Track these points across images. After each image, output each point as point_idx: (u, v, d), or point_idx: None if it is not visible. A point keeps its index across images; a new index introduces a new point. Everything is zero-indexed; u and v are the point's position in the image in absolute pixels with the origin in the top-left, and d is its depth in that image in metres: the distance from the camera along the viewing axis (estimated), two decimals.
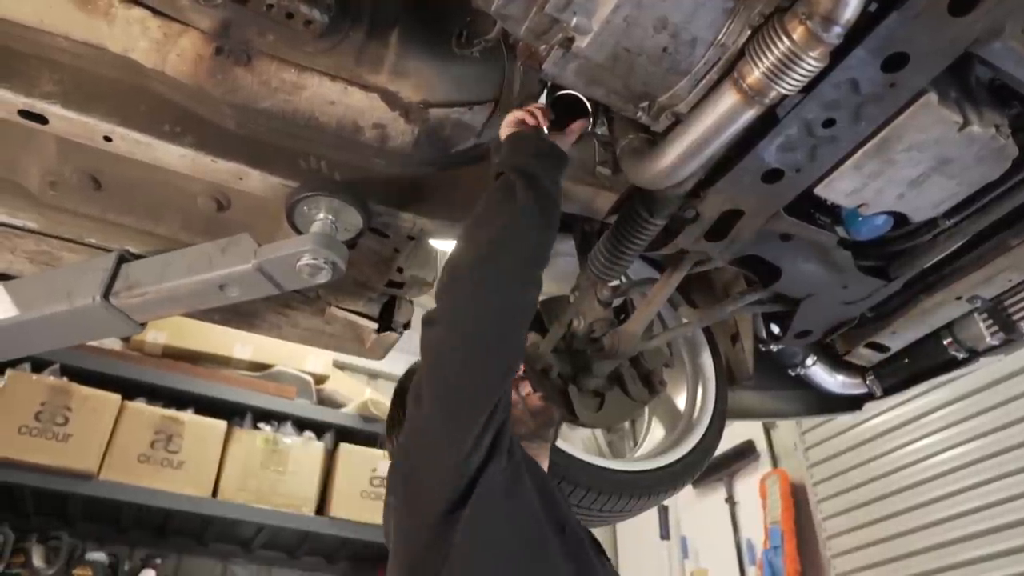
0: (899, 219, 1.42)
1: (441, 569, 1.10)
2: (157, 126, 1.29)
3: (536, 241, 1.25)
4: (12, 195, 1.54)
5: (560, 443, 1.65)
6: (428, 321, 1.20)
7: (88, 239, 1.58)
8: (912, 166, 1.27)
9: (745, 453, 4.73)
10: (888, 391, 2.06)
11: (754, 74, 1.04)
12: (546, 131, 1.40)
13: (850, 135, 1.21)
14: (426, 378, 1.19)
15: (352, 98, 1.30)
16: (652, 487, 1.76)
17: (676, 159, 1.20)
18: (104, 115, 1.27)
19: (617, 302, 1.90)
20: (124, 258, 1.51)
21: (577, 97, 1.49)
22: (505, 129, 1.37)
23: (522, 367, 1.57)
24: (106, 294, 1.45)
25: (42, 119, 1.26)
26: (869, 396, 2.12)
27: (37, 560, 3.44)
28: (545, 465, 1.50)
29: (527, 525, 1.19)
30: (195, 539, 4.19)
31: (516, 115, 1.38)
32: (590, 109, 1.49)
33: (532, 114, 1.38)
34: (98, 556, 3.64)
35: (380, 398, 4.22)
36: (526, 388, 1.55)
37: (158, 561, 3.90)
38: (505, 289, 1.19)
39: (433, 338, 1.19)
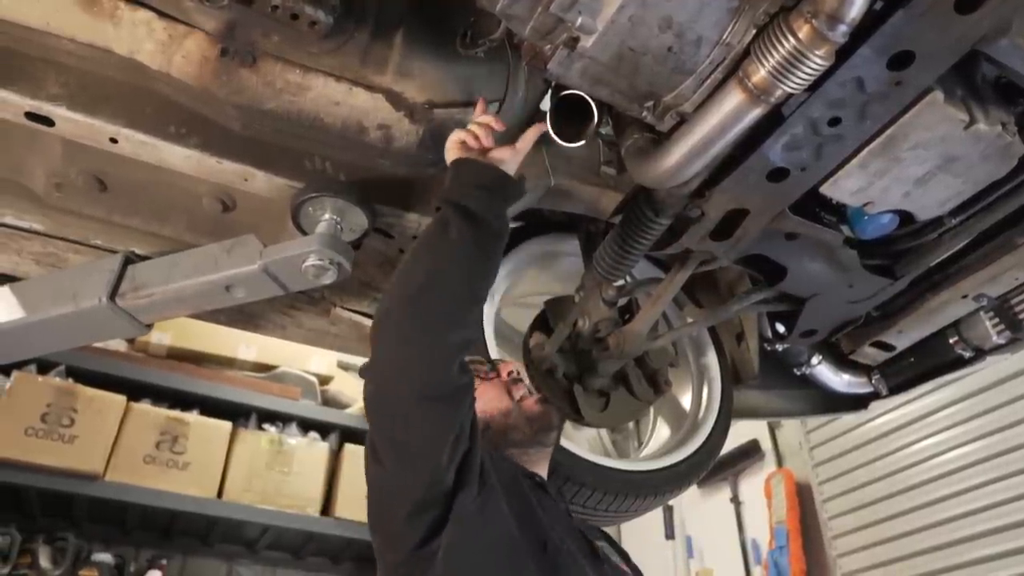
0: (905, 217, 1.42)
1: None
2: (163, 127, 1.30)
3: (468, 280, 1.18)
4: (18, 197, 1.54)
5: (565, 443, 1.65)
6: (363, 373, 1.18)
7: (94, 241, 1.59)
8: (918, 164, 1.26)
9: (750, 452, 4.72)
10: (894, 390, 2.06)
11: (759, 73, 1.04)
12: (494, 149, 1.32)
13: (856, 133, 1.20)
14: (373, 434, 1.19)
15: (357, 99, 1.30)
16: (658, 487, 1.75)
17: (681, 158, 1.20)
18: (110, 117, 1.27)
19: (622, 302, 1.90)
20: (130, 259, 1.51)
21: (581, 97, 1.48)
22: (449, 153, 1.29)
23: (515, 370, 1.53)
24: (112, 295, 1.46)
25: (48, 121, 1.27)
26: (875, 395, 2.12)
27: (44, 561, 3.46)
28: (544, 471, 1.47)
29: (501, 551, 1.16)
30: (200, 540, 4.20)
31: (457, 136, 1.29)
32: (595, 110, 1.49)
33: (475, 135, 1.28)
34: (104, 557, 3.66)
35: None
36: (519, 392, 1.48)
37: (163, 562, 3.92)
38: (432, 333, 1.13)
39: (368, 392, 1.18)
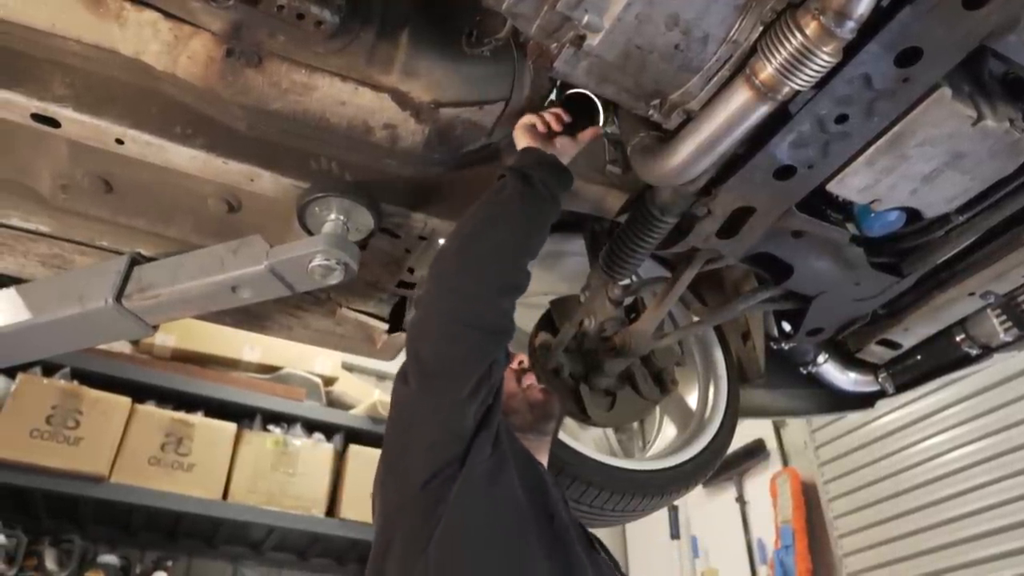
0: (912, 215, 1.41)
1: (428, 546, 1.13)
2: (168, 128, 1.30)
3: (516, 230, 1.28)
4: (24, 199, 1.54)
5: (572, 442, 1.65)
6: (415, 304, 1.29)
7: (100, 242, 1.59)
8: (925, 161, 1.26)
9: (755, 452, 4.71)
10: (900, 388, 2.05)
11: (767, 70, 1.04)
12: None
13: (863, 131, 1.20)
14: (409, 355, 1.26)
15: (363, 98, 1.30)
16: (664, 486, 1.75)
17: (688, 157, 1.19)
18: (116, 118, 1.27)
19: (628, 301, 1.90)
20: (136, 260, 1.51)
21: (588, 96, 1.48)
22: (517, 133, 1.41)
23: (525, 361, 1.58)
24: (118, 297, 1.46)
25: (54, 122, 1.27)
26: (881, 393, 2.11)
27: (50, 563, 3.46)
28: (544, 460, 1.48)
29: (506, 513, 1.19)
30: (205, 541, 4.20)
31: (527, 119, 1.40)
32: (601, 108, 1.49)
33: (545, 121, 1.40)
34: (110, 559, 3.66)
35: (389, 399, 4.22)
36: (528, 380, 1.54)
37: (169, 563, 3.92)
38: (480, 268, 1.24)
39: (415, 318, 1.29)
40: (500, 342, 1.26)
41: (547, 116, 1.41)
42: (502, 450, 1.25)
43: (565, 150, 1.41)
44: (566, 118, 1.42)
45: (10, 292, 1.56)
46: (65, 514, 3.74)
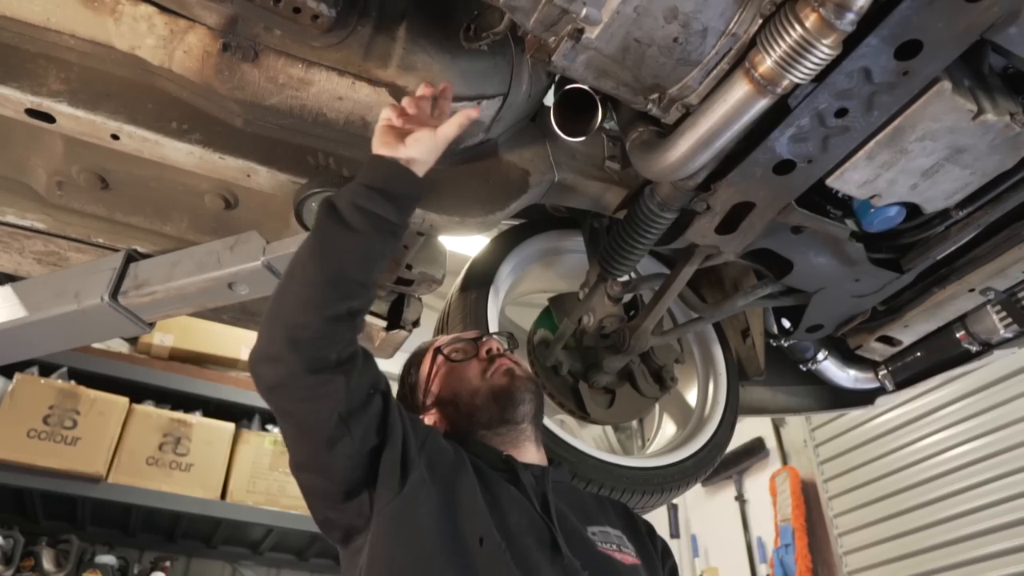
0: (912, 210, 1.41)
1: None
2: (164, 123, 1.28)
3: (307, 283, 1.13)
4: (20, 196, 1.53)
5: (571, 439, 1.64)
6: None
7: (96, 239, 1.58)
8: (925, 156, 1.25)
9: (755, 450, 4.71)
10: (900, 385, 2.05)
11: (766, 63, 1.03)
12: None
13: (863, 125, 1.20)
14: None
15: (360, 93, 1.29)
16: (664, 484, 1.74)
17: (687, 151, 1.19)
18: (111, 113, 1.26)
19: (627, 298, 1.90)
20: (132, 257, 1.50)
21: (585, 91, 1.48)
22: (375, 134, 1.23)
23: (495, 347, 1.45)
24: (114, 294, 1.45)
25: (49, 118, 1.26)
26: (881, 390, 2.11)
27: (47, 564, 3.45)
28: (524, 452, 1.37)
29: (413, 552, 1.12)
30: (204, 542, 4.20)
31: (383, 114, 1.23)
32: (599, 103, 1.48)
33: (398, 111, 1.22)
34: (107, 559, 3.65)
35: None
36: (500, 364, 1.41)
37: (167, 564, 3.91)
38: (280, 317, 1.13)
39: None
40: (336, 378, 1.12)
41: (400, 105, 1.24)
42: (413, 480, 1.16)
43: (420, 145, 1.20)
44: (426, 91, 1.25)
45: (6, 290, 1.55)
46: (63, 514, 3.74)
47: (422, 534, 1.12)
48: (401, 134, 1.21)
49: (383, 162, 1.20)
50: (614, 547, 1.28)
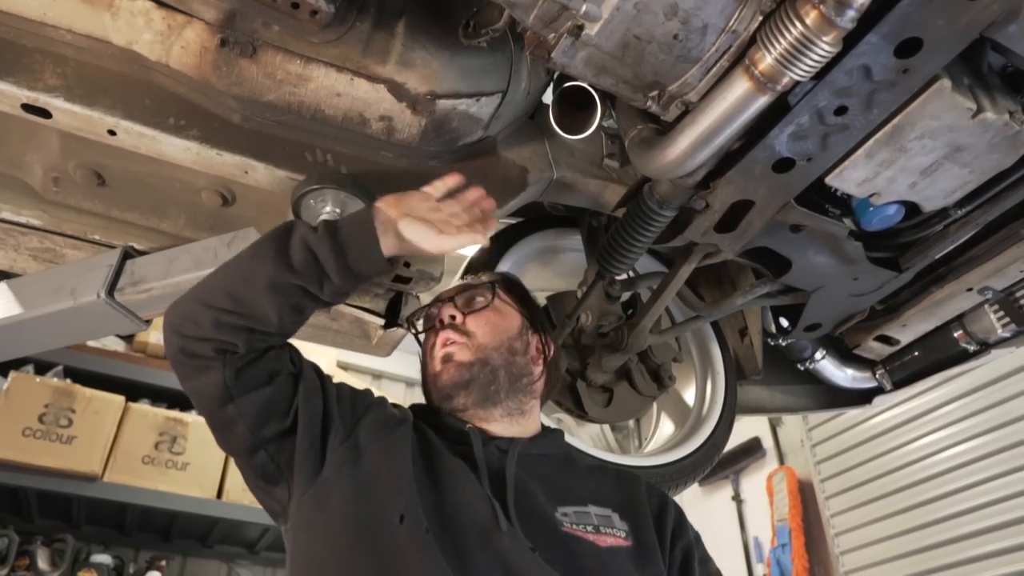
0: (910, 209, 1.41)
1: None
2: (162, 119, 1.28)
3: (228, 290, 1.14)
4: (16, 192, 1.52)
5: (569, 438, 1.64)
6: None
7: (92, 236, 1.57)
8: (924, 154, 1.25)
9: (752, 450, 4.72)
10: (898, 385, 2.05)
11: (766, 60, 1.03)
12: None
13: (862, 123, 1.19)
14: None
15: (358, 89, 1.29)
16: (662, 482, 1.74)
17: (686, 148, 1.19)
18: (108, 108, 1.25)
19: (625, 297, 1.89)
20: (129, 254, 1.50)
21: (585, 89, 1.47)
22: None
23: (450, 316, 1.36)
24: (111, 291, 1.44)
25: (45, 113, 1.25)
26: (879, 390, 2.11)
27: (42, 563, 3.44)
28: (497, 427, 1.29)
29: (332, 536, 1.10)
30: (200, 541, 4.18)
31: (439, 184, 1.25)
32: (598, 101, 1.48)
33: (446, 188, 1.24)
34: (103, 558, 3.64)
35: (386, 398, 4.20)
36: (430, 342, 1.36)
37: (163, 563, 3.90)
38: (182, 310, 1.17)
39: None
40: (207, 372, 1.14)
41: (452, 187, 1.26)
42: (333, 463, 1.15)
43: (421, 234, 1.17)
44: (453, 181, 1.27)
45: (2, 287, 1.55)
46: (58, 513, 3.72)
47: (337, 519, 1.10)
48: (426, 208, 1.20)
49: (368, 229, 1.16)
50: (588, 528, 1.19)
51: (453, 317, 1.35)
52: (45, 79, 1.25)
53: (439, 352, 1.33)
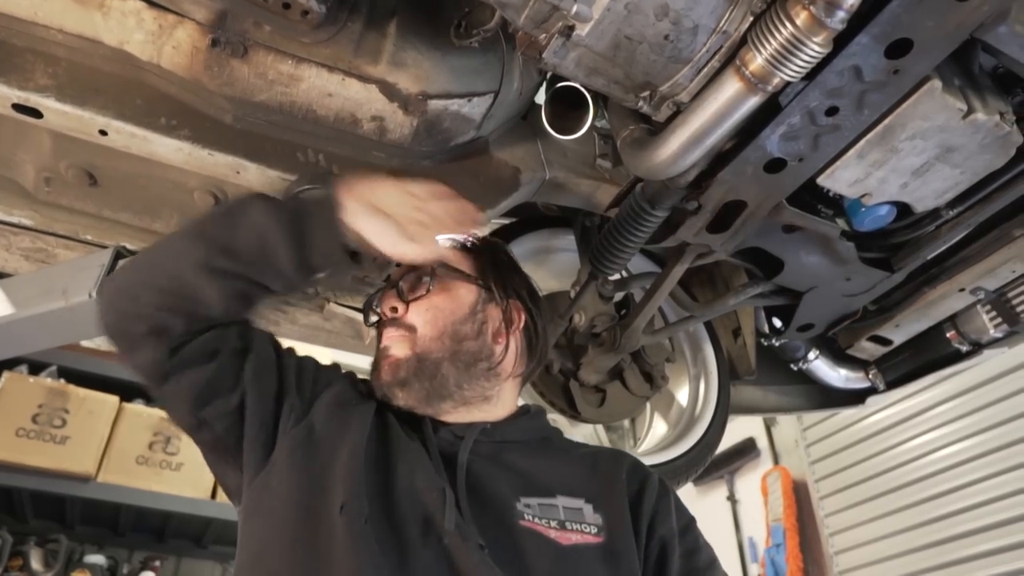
0: (902, 209, 1.41)
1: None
2: (153, 120, 1.28)
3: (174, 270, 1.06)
4: (7, 192, 1.52)
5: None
6: None
7: (84, 236, 1.57)
8: (916, 155, 1.25)
9: (746, 450, 4.72)
10: (891, 385, 2.06)
11: (756, 61, 1.03)
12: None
13: (853, 123, 1.19)
14: None
15: (350, 90, 1.29)
16: None
17: (678, 149, 1.18)
18: (99, 108, 1.25)
19: (618, 297, 1.89)
20: (121, 254, 1.50)
21: (577, 89, 1.48)
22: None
23: (391, 308, 1.25)
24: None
25: (37, 113, 1.25)
26: (872, 390, 2.11)
27: (35, 563, 3.43)
28: (451, 416, 1.20)
29: (273, 522, 1.03)
30: (194, 541, 4.18)
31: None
32: (590, 101, 1.48)
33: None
34: (97, 559, 3.64)
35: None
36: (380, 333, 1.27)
37: (157, 563, 3.90)
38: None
39: None
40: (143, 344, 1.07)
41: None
42: (284, 447, 1.08)
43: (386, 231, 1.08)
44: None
45: None
46: (51, 514, 3.71)
47: (279, 505, 1.03)
48: (404, 204, 1.10)
49: (331, 221, 1.05)
50: (553, 524, 1.08)
51: (395, 309, 1.24)
52: (36, 79, 1.24)
53: (380, 344, 1.24)
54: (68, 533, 3.67)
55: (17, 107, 1.24)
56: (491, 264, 1.32)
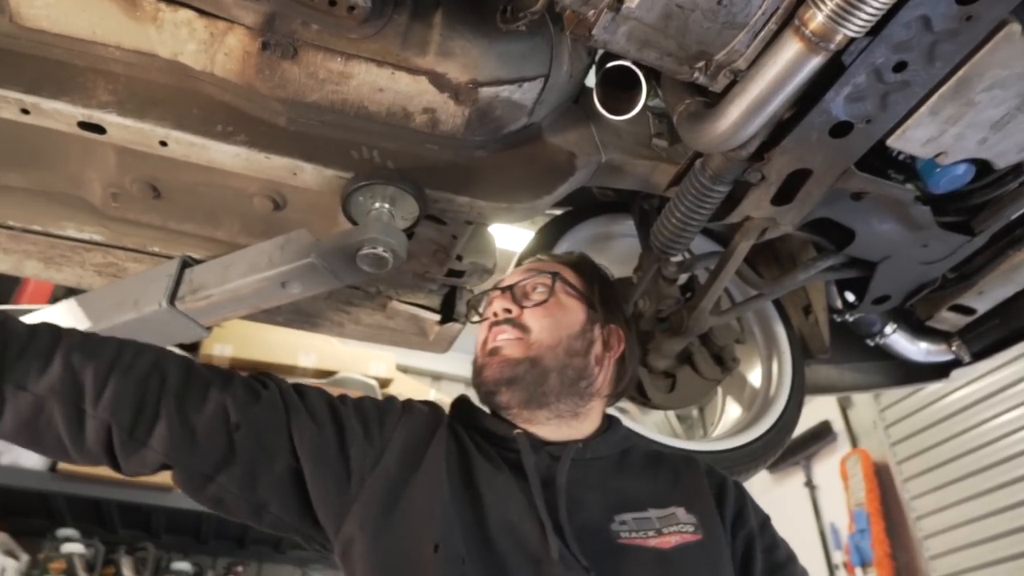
0: (981, 167, 1.34)
1: None
2: (210, 127, 1.30)
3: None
4: (78, 209, 1.57)
5: (634, 425, 1.61)
6: None
7: (151, 248, 1.61)
8: (995, 106, 1.18)
9: (822, 434, 4.60)
10: (978, 356, 1.96)
11: (817, 19, 0.98)
12: None
13: (924, 78, 1.13)
14: None
15: (400, 83, 1.29)
16: (732, 467, 1.70)
17: (738, 119, 1.14)
18: (158, 120, 1.28)
19: (683, 279, 1.85)
20: (187, 263, 1.52)
21: (628, 68, 1.44)
22: None
23: (501, 310, 1.29)
24: (172, 299, 1.47)
25: (100, 129, 1.28)
26: (956, 363, 2.02)
27: (127, 571, 3.57)
28: (548, 431, 1.21)
29: (373, 563, 1.02)
30: (273, 547, 4.27)
31: None
32: (642, 79, 1.44)
33: None
34: (183, 566, 3.75)
35: (445, 398, 4.23)
36: (481, 334, 1.28)
37: (239, 569, 4.01)
38: None
39: None
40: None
41: None
42: (359, 505, 1.07)
43: None
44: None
45: (70, 303, 1.59)
46: (138, 523, 3.85)
47: (370, 551, 1.02)
48: None
49: None
50: (650, 533, 1.10)
51: (508, 311, 1.27)
52: (98, 96, 1.28)
53: (489, 345, 1.26)
54: (155, 542, 3.79)
55: (82, 124, 1.27)
56: (589, 286, 1.35)
